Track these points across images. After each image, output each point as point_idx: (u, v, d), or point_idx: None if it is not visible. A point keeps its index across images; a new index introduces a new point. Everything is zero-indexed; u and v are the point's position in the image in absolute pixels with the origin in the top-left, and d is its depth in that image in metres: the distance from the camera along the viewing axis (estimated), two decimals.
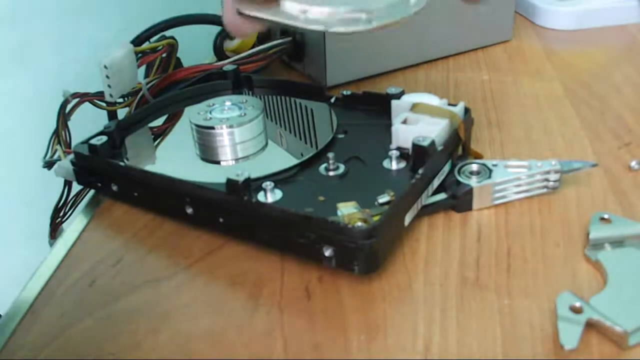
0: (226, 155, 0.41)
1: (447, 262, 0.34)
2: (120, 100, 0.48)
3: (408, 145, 0.37)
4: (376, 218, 0.32)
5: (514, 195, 0.38)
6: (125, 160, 0.42)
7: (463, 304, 0.31)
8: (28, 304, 0.34)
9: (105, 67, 0.45)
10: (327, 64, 0.54)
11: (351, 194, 0.35)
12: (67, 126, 0.46)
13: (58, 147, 0.45)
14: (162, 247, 0.37)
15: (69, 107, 0.46)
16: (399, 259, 0.34)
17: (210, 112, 0.42)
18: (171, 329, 0.31)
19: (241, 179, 0.34)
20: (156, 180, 0.38)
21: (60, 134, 0.45)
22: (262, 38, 0.57)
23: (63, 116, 0.45)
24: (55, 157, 0.45)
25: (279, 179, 0.37)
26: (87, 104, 0.47)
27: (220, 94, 0.50)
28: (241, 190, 0.34)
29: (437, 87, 0.54)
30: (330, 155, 0.38)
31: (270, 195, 0.36)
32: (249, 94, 0.51)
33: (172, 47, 0.52)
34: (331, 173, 0.38)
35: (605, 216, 0.35)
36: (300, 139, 0.44)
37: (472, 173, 0.38)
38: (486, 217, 0.37)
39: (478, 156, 0.41)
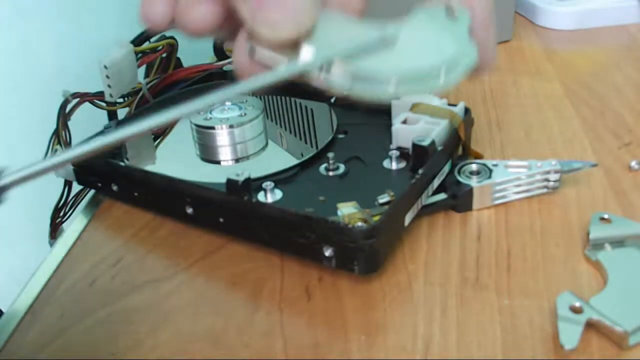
0: (226, 155, 0.41)
1: (447, 262, 0.34)
2: (120, 100, 0.48)
3: (408, 145, 0.37)
4: (376, 218, 0.32)
5: (514, 195, 0.38)
6: (125, 160, 0.42)
7: (463, 304, 0.31)
8: (28, 304, 0.34)
9: (105, 67, 0.45)
10: None
11: (351, 194, 0.35)
12: (67, 126, 0.46)
13: (58, 147, 0.45)
14: (162, 247, 0.37)
15: (69, 107, 0.46)
16: (399, 259, 0.34)
17: (211, 112, 0.42)
18: (171, 329, 0.31)
19: (241, 179, 0.34)
20: (156, 180, 0.38)
21: (60, 134, 0.45)
22: None
23: (63, 116, 0.45)
24: None
25: (279, 179, 0.37)
26: (87, 104, 0.47)
27: None
28: (241, 190, 0.34)
29: None
30: (330, 155, 0.38)
31: (270, 195, 0.36)
32: (248, 94, 0.51)
33: (172, 47, 0.52)
34: (331, 173, 0.38)
35: (605, 216, 0.35)
36: (300, 139, 0.44)
37: (472, 173, 0.38)
38: (486, 217, 0.37)
39: (478, 156, 0.41)
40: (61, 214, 0.47)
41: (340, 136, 0.42)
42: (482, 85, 0.54)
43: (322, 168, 0.38)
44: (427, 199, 0.37)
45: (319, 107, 0.47)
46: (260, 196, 0.36)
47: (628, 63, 0.57)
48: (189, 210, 0.37)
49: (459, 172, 0.38)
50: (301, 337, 0.30)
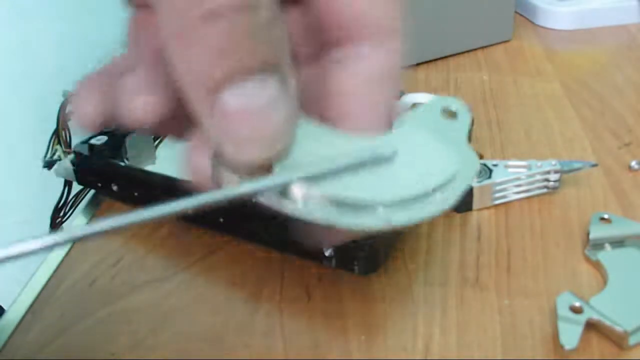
0: None
1: (447, 262, 0.34)
2: None
3: None
4: None
5: (514, 195, 0.38)
6: (126, 160, 0.42)
7: (463, 304, 0.31)
8: (28, 304, 0.34)
9: None
10: None
11: None
12: (67, 126, 0.46)
13: (58, 147, 0.45)
14: (162, 247, 0.37)
15: (69, 107, 0.46)
16: (399, 259, 0.34)
17: None
18: (171, 329, 0.31)
19: None
20: (156, 180, 0.38)
21: (60, 134, 0.45)
22: None
23: (63, 116, 0.45)
24: (55, 157, 0.45)
25: None
26: None
27: None
28: None
29: (437, 87, 0.54)
30: None
31: None
32: None
33: None
34: None
35: (605, 216, 0.35)
36: None
37: None
38: (486, 217, 0.37)
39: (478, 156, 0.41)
40: (61, 214, 0.47)
41: None
42: (482, 85, 0.54)
43: None
44: None
45: None
46: None
47: (628, 63, 0.57)
48: (189, 210, 0.37)
49: None
50: (301, 337, 0.30)
